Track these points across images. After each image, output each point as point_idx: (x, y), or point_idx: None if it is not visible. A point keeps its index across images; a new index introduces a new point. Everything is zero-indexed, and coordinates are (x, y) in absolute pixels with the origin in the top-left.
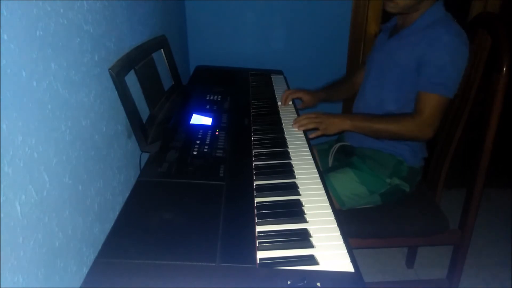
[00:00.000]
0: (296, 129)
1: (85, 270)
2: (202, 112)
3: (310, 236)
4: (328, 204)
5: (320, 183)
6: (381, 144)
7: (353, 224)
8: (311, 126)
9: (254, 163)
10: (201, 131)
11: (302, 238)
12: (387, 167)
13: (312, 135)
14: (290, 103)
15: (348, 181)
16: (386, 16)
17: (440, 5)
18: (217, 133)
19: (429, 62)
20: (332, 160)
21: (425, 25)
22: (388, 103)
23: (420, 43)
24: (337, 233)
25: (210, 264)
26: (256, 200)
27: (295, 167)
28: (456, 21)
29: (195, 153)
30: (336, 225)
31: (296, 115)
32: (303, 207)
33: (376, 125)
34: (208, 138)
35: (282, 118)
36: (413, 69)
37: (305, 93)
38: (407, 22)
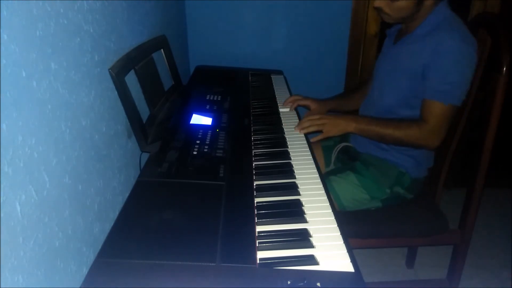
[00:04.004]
0: (299, 132)
1: (85, 270)
2: (202, 112)
3: (310, 236)
4: (328, 204)
5: (320, 183)
6: (385, 154)
7: (353, 224)
8: (313, 129)
9: (254, 163)
10: (201, 131)
11: (302, 238)
12: (389, 177)
13: (313, 139)
14: (286, 109)
15: (350, 186)
16: None
17: (443, 7)
18: (217, 132)
19: (434, 69)
20: (334, 159)
21: (428, 30)
22: (395, 109)
23: (424, 50)
24: (337, 233)
25: (210, 264)
26: (256, 200)
27: (295, 167)
28: (462, 23)
29: (195, 153)
30: (336, 225)
31: (296, 115)
32: (303, 207)
33: (381, 130)
34: (208, 138)
35: (282, 118)
36: (418, 76)
37: (313, 101)
38: (410, 27)
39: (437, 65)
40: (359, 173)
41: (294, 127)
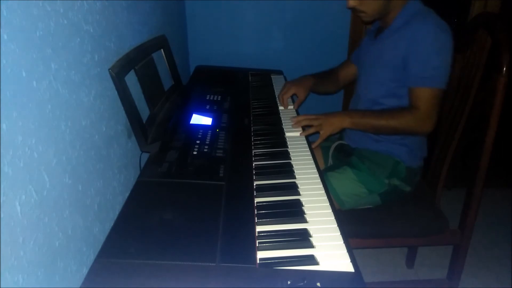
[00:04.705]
0: (295, 128)
1: (85, 270)
2: (202, 112)
3: (310, 236)
4: (328, 204)
5: (320, 183)
6: (378, 146)
7: (353, 224)
8: (312, 130)
9: (254, 163)
10: (201, 131)
11: (302, 238)
12: (385, 168)
13: (314, 145)
14: (291, 106)
15: (347, 181)
16: None
17: (415, 1)
18: (217, 132)
19: (414, 57)
20: (331, 157)
21: (403, 23)
22: (382, 100)
23: (401, 41)
24: (337, 233)
25: (210, 264)
26: (256, 200)
27: (295, 167)
28: (434, 13)
29: (195, 153)
30: (336, 225)
31: (295, 114)
32: (303, 207)
33: (376, 122)
34: (208, 138)
35: (282, 118)
36: (399, 66)
37: (297, 87)
38: (387, 23)
39: (416, 53)
40: (355, 167)
41: (292, 123)
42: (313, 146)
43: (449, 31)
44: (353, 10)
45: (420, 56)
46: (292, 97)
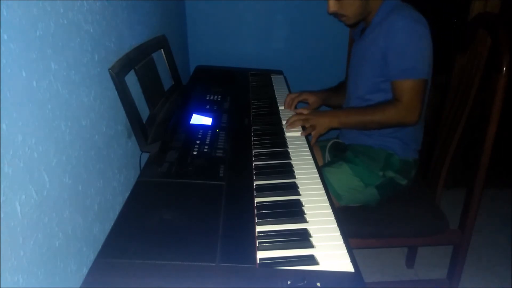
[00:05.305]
0: (289, 129)
1: (85, 270)
2: (202, 112)
3: (310, 236)
4: (328, 204)
5: (320, 183)
6: (371, 140)
7: (353, 224)
8: (298, 123)
9: (254, 163)
10: (201, 131)
11: (302, 238)
12: (378, 161)
13: (301, 133)
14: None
15: (343, 175)
16: None
17: None
18: (217, 132)
19: (392, 50)
20: (328, 154)
21: (381, 18)
22: (369, 96)
23: (380, 35)
24: (337, 233)
25: (210, 264)
26: (256, 200)
27: (295, 167)
28: (411, 7)
29: (195, 153)
30: (336, 225)
31: None
32: (303, 207)
33: (361, 118)
34: (208, 138)
35: (282, 118)
36: (380, 61)
37: (310, 94)
38: (368, 22)
39: (394, 47)
40: (351, 162)
41: (286, 126)
42: (300, 134)
43: (425, 22)
44: (335, 15)
45: (397, 49)
46: (296, 107)
